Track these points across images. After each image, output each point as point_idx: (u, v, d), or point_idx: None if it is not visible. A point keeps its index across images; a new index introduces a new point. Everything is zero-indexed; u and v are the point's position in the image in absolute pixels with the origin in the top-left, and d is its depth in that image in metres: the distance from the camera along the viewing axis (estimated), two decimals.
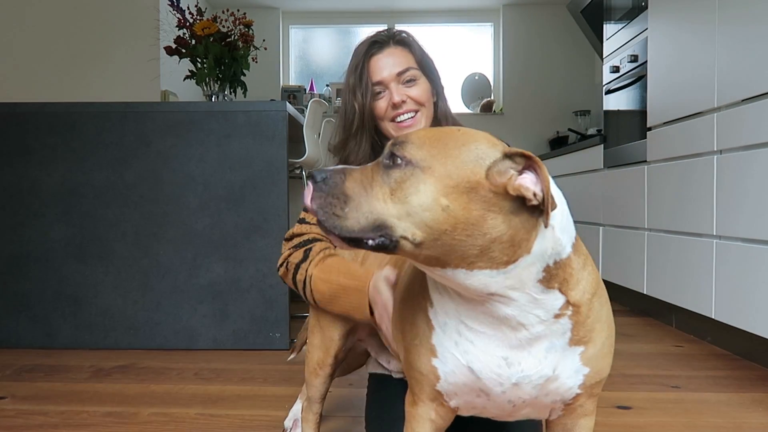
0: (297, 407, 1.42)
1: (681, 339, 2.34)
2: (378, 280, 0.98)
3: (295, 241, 1.17)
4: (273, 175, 2.24)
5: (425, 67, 1.19)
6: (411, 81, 1.16)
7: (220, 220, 2.26)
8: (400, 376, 1.16)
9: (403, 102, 1.14)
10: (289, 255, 1.15)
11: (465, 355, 0.71)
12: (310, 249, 1.13)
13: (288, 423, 1.42)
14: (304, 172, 2.55)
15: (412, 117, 1.15)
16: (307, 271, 1.10)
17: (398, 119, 1.15)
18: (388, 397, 1.16)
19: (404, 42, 1.18)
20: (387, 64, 1.15)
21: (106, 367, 2.02)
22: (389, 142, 0.66)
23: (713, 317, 2.10)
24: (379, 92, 1.16)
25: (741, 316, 1.93)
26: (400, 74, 1.15)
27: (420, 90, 1.16)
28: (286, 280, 1.16)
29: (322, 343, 1.13)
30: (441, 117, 1.21)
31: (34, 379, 1.87)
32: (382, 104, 1.15)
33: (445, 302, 0.72)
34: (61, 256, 2.28)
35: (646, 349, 2.18)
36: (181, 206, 2.26)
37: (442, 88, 1.23)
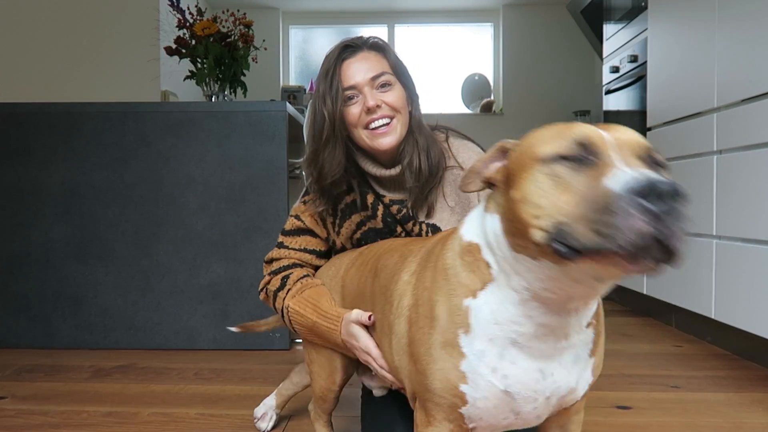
0: (270, 400, 1.44)
1: (681, 339, 2.34)
2: (349, 325, 0.97)
3: (274, 265, 1.16)
4: (273, 175, 2.24)
5: (400, 73, 1.14)
6: (386, 86, 1.10)
7: (220, 220, 2.26)
8: (381, 393, 1.15)
9: (378, 107, 1.08)
10: (268, 281, 1.15)
11: (504, 380, 0.68)
12: (288, 277, 1.11)
13: (258, 412, 1.43)
14: (304, 173, 2.55)
15: (387, 123, 1.09)
16: (284, 300, 1.10)
17: (372, 125, 1.09)
18: (384, 400, 1.16)
19: (378, 47, 1.13)
20: (360, 69, 1.09)
21: (106, 367, 2.02)
22: (636, 145, 0.57)
23: (713, 317, 2.10)
24: (352, 97, 1.09)
25: (741, 316, 1.93)
26: (374, 78, 1.09)
27: (395, 96, 1.10)
28: (268, 305, 1.16)
29: (322, 370, 1.12)
30: (415, 126, 1.14)
31: (34, 379, 1.87)
32: (354, 110, 1.09)
33: (511, 324, 0.66)
34: (61, 256, 2.28)
35: (646, 349, 2.18)
36: (181, 206, 2.26)
37: (417, 96, 1.17)
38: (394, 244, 0.99)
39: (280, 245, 1.18)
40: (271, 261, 1.18)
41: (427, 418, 0.76)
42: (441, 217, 1.14)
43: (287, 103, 2.28)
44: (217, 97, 2.58)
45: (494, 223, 0.65)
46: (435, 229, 1.12)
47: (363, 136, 1.10)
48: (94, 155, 2.28)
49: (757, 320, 1.84)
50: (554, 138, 0.58)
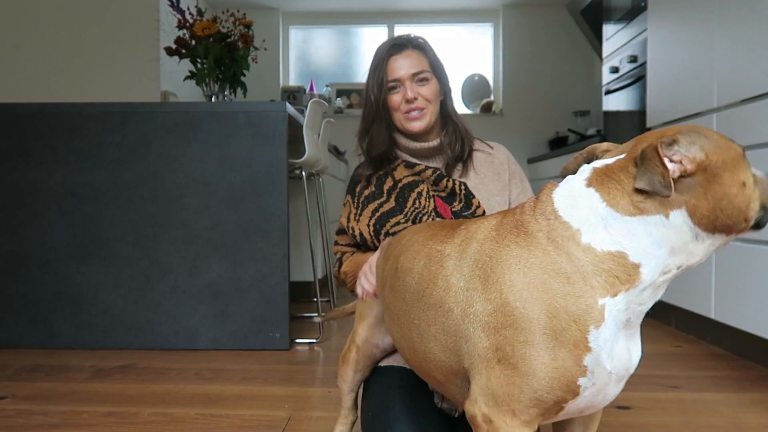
0: None
1: (680, 339, 2.34)
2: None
3: (336, 257, 1.48)
4: (273, 176, 2.24)
5: (437, 70, 1.38)
6: (423, 81, 1.34)
7: (220, 220, 2.26)
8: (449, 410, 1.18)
9: (415, 98, 1.32)
10: (337, 269, 1.47)
11: (612, 361, 0.71)
12: (342, 258, 1.45)
13: None
14: (303, 173, 2.55)
15: (420, 110, 1.34)
16: (341, 270, 1.43)
17: (409, 113, 1.34)
18: (384, 400, 1.16)
19: (421, 47, 1.38)
20: (404, 65, 1.33)
21: (106, 367, 2.02)
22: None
23: (712, 317, 2.10)
24: (395, 87, 1.34)
25: (740, 316, 1.93)
26: (415, 75, 1.33)
27: (430, 89, 1.34)
28: (340, 283, 1.49)
29: (351, 335, 1.25)
30: (451, 112, 1.40)
31: (35, 379, 1.87)
32: (396, 98, 1.34)
33: (637, 306, 0.71)
34: (62, 256, 2.28)
35: (646, 349, 2.18)
36: (182, 207, 2.27)
37: (450, 90, 1.42)
38: (410, 240, 1.02)
39: (336, 243, 1.46)
40: (337, 259, 1.46)
41: (514, 419, 0.74)
42: (469, 182, 1.37)
43: (287, 104, 2.28)
44: (217, 98, 2.58)
45: (678, 218, 0.71)
46: (463, 185, 1.34)
47: (400, 118, 1.36)
48: (95, 155, 2.28)
49: (757, 320, 1.84)
50: (730, 142, 0.74)
